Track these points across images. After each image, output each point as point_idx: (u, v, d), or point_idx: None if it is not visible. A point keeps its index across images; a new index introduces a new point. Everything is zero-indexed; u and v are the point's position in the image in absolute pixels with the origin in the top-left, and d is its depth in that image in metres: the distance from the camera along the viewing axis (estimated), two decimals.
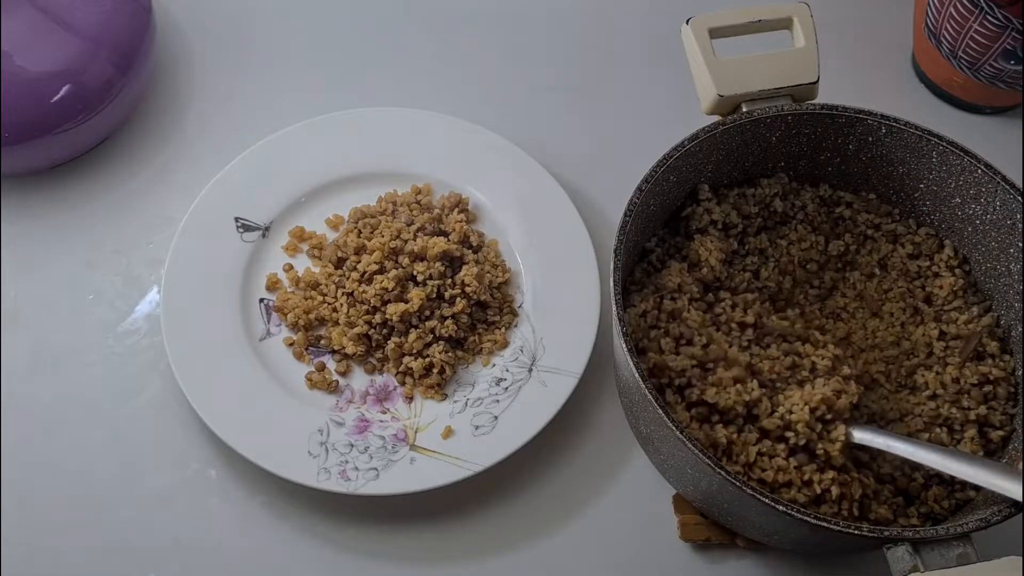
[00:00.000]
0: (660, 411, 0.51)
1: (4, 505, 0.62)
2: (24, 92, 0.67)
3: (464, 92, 0.79)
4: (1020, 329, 0.60)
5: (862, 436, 0.55)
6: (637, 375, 0.51)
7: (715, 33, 0.60)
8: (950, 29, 0.73)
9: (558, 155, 0.74)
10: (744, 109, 0.60)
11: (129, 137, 0.75)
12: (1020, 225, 0.57)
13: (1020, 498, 0.48)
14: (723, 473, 0.49)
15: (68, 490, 0.63)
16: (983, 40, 0.72)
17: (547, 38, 0.83)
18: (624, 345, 0.52)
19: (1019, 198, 0.57)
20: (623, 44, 0.83)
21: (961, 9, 0.71)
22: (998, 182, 0.58)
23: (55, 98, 0.68)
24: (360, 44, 0.82)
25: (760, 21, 0.61)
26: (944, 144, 0.59)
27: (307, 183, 0.71)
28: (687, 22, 0.61)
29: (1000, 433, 0.58)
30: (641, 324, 0.60)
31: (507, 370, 0.65)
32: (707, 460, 0.49)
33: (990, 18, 0.70)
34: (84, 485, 0.63)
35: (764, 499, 0.48)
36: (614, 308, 0.54)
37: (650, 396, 0.51)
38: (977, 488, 0.57)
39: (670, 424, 0.50)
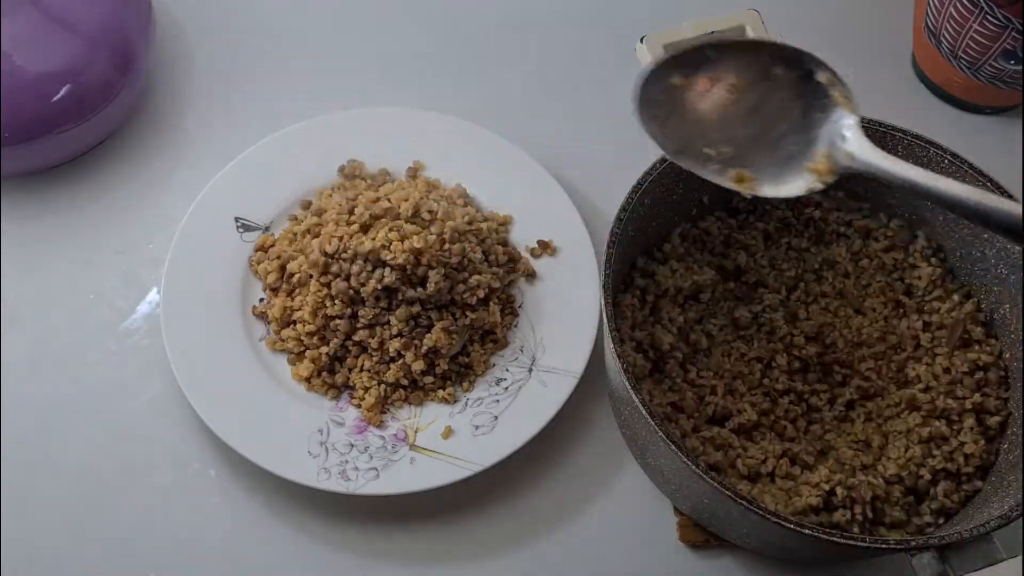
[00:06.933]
0: (656, 428, 0.50)
1: (4, 505, 0.62)
2: (24, 92, 0.67)
3: (464, 92, 0.79)
4: (1002, 312, 0.61)
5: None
6: (634, 395, 0.51)
7: (670, 49, 0.60)
8: (950, 29, 0.73)
9: (558, 155, 0.74)
10: None
11: (129, 137, 0.75)
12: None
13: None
14: (745, 503, 0.49)
15: (68, 490, 0.63)
16: (983, 40, 0.72)
17: (547, 39, 0.83)
18: (620, 368, 0.52)
19: (988, 185, 0.57)
20: (623, 44, 0.83)
21: (961, 9, 0.71)
22: (965, 170, 0.58)
23: (55, 98, 0.68)
24: (360, 44, 0.82)
25: (713, 32, 0.61)
26: (909, 138, 0.59)
27: (307, 183, 0.71)
28: (641, 40, 0.60)
29: (997, 419, 0.59)
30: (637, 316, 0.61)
31: (507, 370, 0.65)
32: (725, 490, 0.49)
33: (990, 18, 0.70)
34: (84, 485, 0.63)
35: (787, 524, 0.48)
36: (607, 334, 0.54)
37: (653, 424, 0.51)
38: (984, 478, 0.57)
39: (671, 447, 0.50)
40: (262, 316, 0.66)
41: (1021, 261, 0.57)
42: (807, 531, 0.48)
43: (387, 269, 0.62)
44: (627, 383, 0.51)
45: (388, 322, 0.63)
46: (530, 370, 0.64)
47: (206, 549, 0.61)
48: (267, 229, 0.69)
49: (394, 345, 0.63)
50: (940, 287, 0.63)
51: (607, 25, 0.83)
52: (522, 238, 0.70)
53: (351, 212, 0.65)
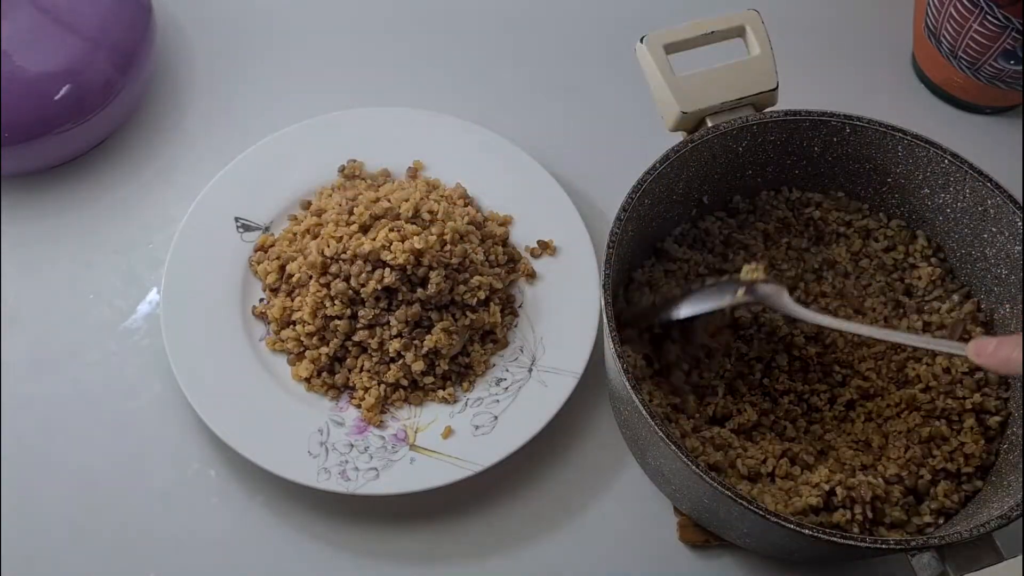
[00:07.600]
0: (656, 429, 0.50)
1: (4, 505, 0.62)
2: (24, 92, 0.67)
3: (464, 92, 0.79)
4: (1002, 312, 0.61)
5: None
6: (634, 395, 0.51)
7: (670, 49, 0.60)
8: (950, 29, 0.73)
9: (558, 155, 0.74)
10: (709, 123, 0.60)
11: (129, 137, 0.75)
12: (1020, 224, 0.57)
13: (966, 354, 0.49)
14: (745, 503, 0.49)
15: (68, 490, 0.63)
16: (983, 40, 0.72)
17: (547, 38, 0.83)
18: (620, 368, 0.52)
19: (988, 184, 0.58)
20: (622, 44, 0.83)
21: (961, 9, 0.71)
22: (965, 170, 0.58)
23: (55, 98, 0.68)
24: (360, 44, 0.82)
25: (713, 32, 0.61)
26: (909, 138, 0.60)
27: (307, 183, 0.71)
28: (641, 40, 0.61)
29: (997, 419, 0.59)
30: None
31: (507, 370, 0.65)
32: (725, 490, 0.49)
33: (990, 18, 0.70)
34: (84, 485, 0.63)
35: (787, 524, 0.48)
36: (607, 334, 0.54)
37: (653, 424, 0.51)
38: (984, 478, 0.57)
39: (672, 447, 0.50)
40: (262, 316, 0.66)
41: (1021, 261, 0.57)
42: (807, 531, 0.48)
43: (387, 269, 0.62)
44: (627, 383, 0.51)
45: (388, 322, 0.63)
46: (530, 370, 0.64)
47: (206, 549, 0.61)
48: (267, 229, 0.69)
49: (394, 345, 0.63)
50: (940, 287, 0.63)
51: (607, 25, 0.83)
52: (522, 238, 0.70)
53: (351, 212, 0.65)
